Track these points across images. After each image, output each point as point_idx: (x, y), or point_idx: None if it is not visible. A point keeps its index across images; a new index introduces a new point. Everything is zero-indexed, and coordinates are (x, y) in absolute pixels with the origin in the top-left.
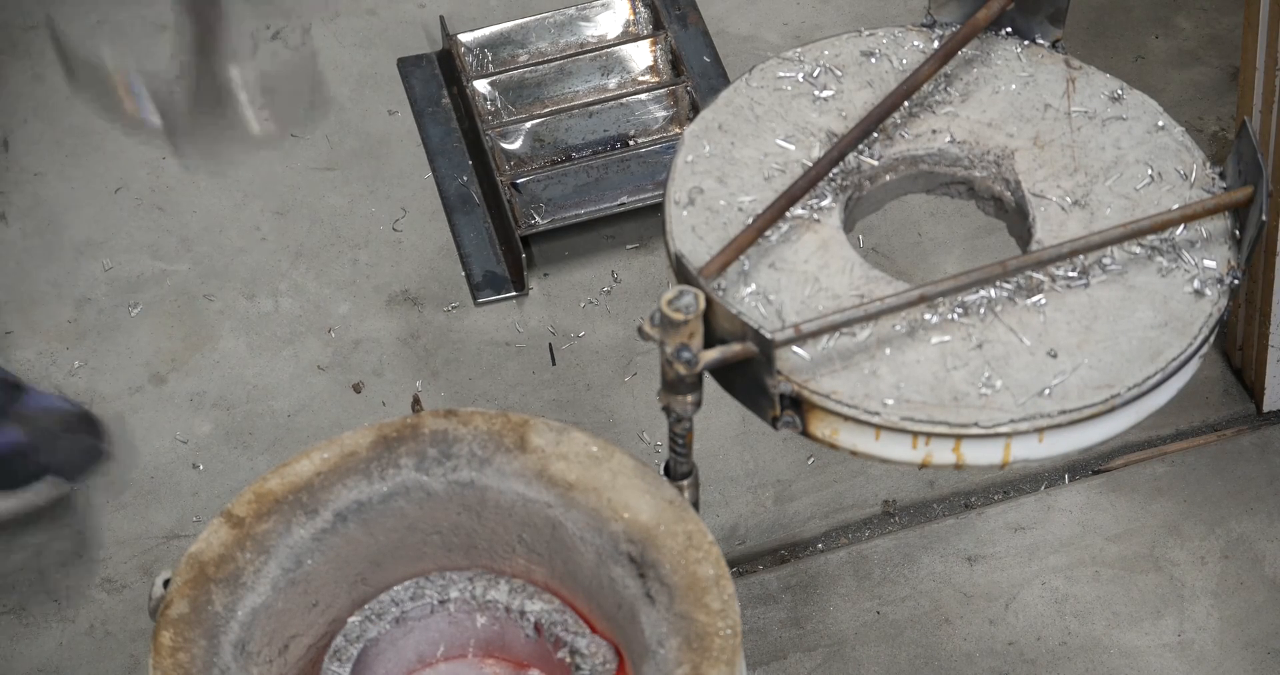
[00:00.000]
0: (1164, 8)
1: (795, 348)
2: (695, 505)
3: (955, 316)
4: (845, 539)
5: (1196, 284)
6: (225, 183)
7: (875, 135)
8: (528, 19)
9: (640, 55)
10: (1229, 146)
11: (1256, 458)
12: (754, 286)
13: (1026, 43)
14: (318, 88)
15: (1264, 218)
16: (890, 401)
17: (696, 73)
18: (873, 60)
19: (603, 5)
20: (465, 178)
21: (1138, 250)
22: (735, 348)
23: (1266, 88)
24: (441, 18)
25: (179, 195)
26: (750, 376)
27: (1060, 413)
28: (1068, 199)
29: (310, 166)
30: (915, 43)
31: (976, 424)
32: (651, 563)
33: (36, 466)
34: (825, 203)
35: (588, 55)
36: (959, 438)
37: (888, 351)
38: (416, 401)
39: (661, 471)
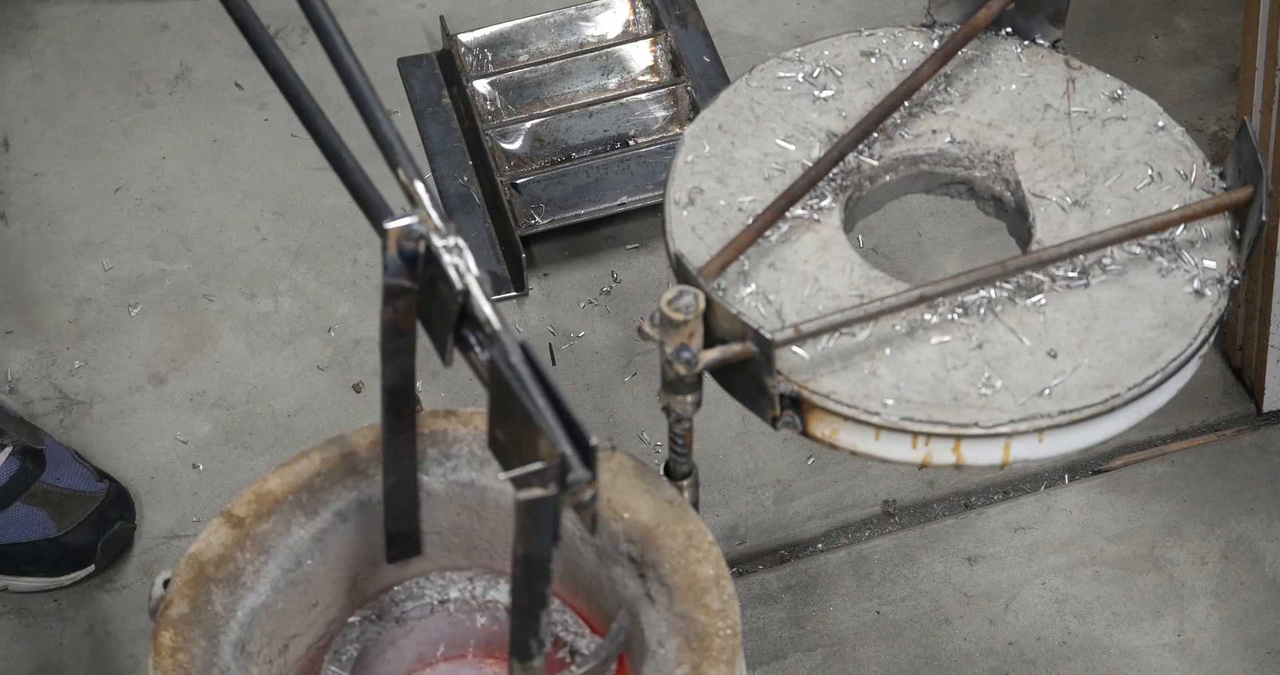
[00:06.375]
0: (1164, 8)
1: (795, 348)
2: (695, 505)
3: (955, 316)
4: (845, 539)
5: (1196, 284)
6: (225, 182)
7: (875, 135)
8: (528, 19)
9: (640, 55)
10: (1229, 146)
11: (1256, 458)
12: (754, 286)
13: (1026, 43)
14: None
15: (1264, 218)
16: (890, 401)
17: (696, 73)
18: (873, 60)
19: (603, 5)
20: (465, 178)
21: (1138, 250)
22: (735, 348)
23: (1266, 88)
24: (441, 18)
25: (179, 195)
26: (750, 376)
27: (1060, 413)
28: (1068, 199)
29: (310, 166)
30: (915, 43)
31: (976, 424)
32: (651, 563)
33: (69, 555)
34: (825, 203)
35: (588, 55)
36: (959, 438)
37: (888, 351)
38: (416, 402)
39: (661, 471)
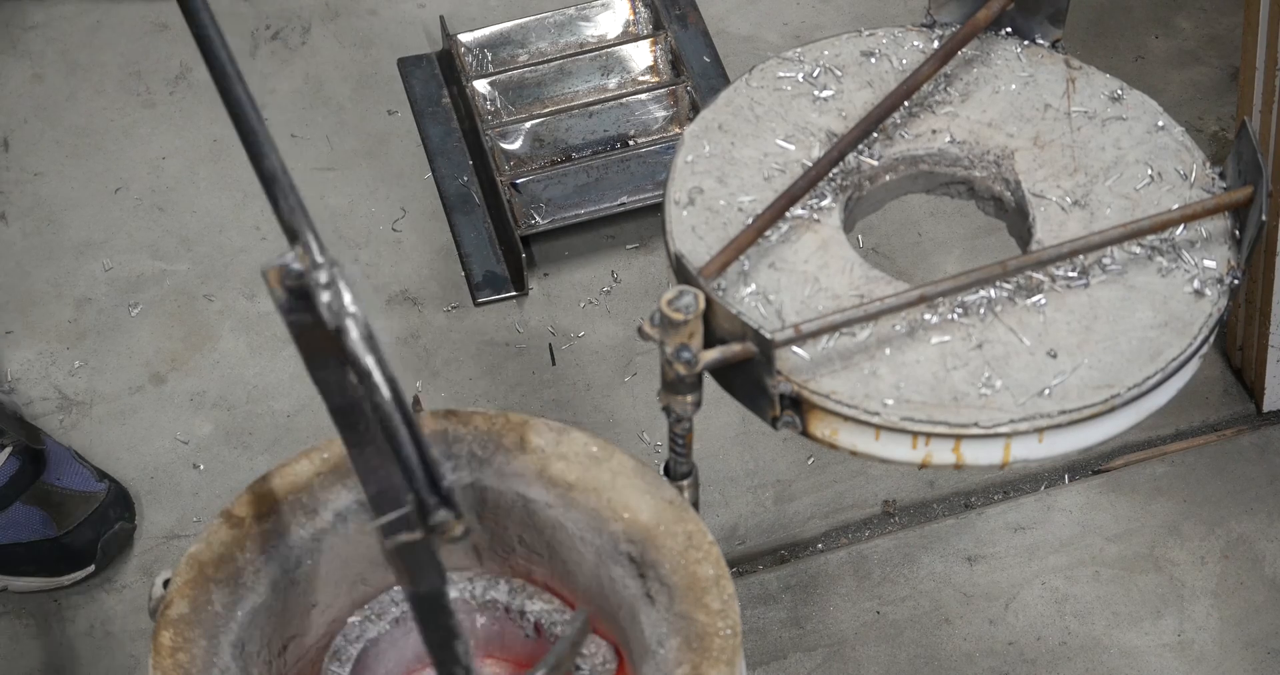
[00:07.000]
0: (1164, 8)
1: (795, 348)
2: (695, 505)
3: (955, 316)
4: (845, 539)
5: (1196, 284)
6: (225, 182)
7: (875, 135)
8: (528, 19)
9: (640, 55)
10: (1229, 146)
11: (1256, 458)
12: (754, 286)
13: (1026, 43)
14: None
15: (1264, 218)
16: (890, 401)
17: (696, 73)
18: (873, 60)
19: (603, 5)
20: (465, 178)
21: (1138, 250)
22: (735, 348)
23: (1266, 88)
24: (441, 18)
25: (179, 195)
26: (750, 376)
27: (1060, 413)
28: (1068, 199)
29: (310, 166)
30: (915, 43)
31: (976, 424)
32: (651, 563)
33: (68, 555)
34: (825, 203)
35: (588, 55)
36: (959, 438)
37: (888, 351)
38: (416, 401)
39: (661, 471)
